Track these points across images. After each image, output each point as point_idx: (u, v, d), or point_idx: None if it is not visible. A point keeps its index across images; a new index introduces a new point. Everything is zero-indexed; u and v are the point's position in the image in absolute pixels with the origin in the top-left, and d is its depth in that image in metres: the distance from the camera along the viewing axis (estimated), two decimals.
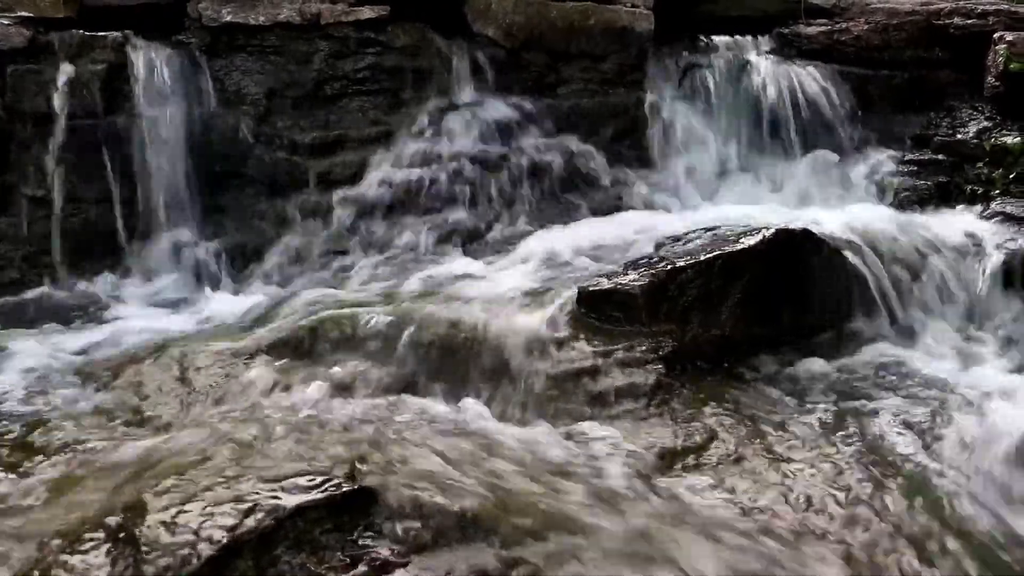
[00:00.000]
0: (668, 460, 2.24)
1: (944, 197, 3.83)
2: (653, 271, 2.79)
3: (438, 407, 2.38)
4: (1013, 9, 4.32)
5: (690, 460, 2.24)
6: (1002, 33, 4.08)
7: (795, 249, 2.92)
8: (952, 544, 1.97)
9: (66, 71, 3.84)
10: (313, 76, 4.17)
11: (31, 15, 4.01)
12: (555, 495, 1.98)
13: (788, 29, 4.58)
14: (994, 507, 2.11)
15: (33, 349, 2.99)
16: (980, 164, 3.89)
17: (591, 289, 2.79)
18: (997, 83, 4.04)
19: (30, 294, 3.61)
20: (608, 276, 2.85)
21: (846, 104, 4.33)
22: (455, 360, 2.63)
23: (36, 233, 3.79)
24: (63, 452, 2.22)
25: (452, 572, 1.71)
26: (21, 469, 2.14)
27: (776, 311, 2.86)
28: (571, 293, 2.84)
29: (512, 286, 3.07)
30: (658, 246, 3.09)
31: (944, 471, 2.21)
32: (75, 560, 1.66)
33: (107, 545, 1.68)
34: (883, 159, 4.14)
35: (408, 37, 4.29)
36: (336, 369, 2.61)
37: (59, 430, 2.37)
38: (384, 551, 1.74)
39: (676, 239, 3.08)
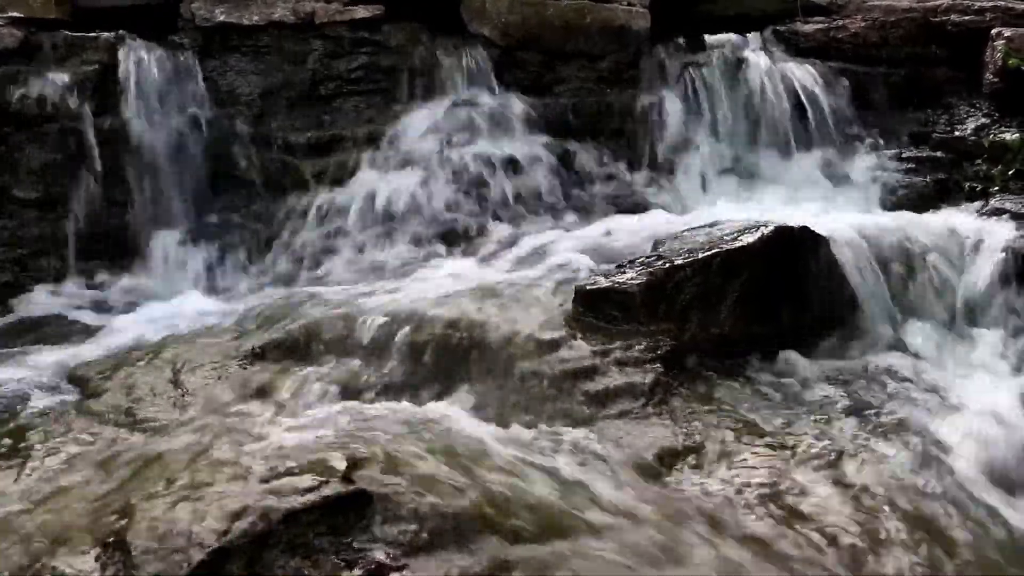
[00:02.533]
0: (667, 460, 2.21)
1: (943, 194, 3.82)
2: (651, 270, 2.77)
3: (434, 408, 2.36)
4: (1010, 6, 4.30)
5: (689, 460, 2.22)
6: (1000, 29, 4.06)
7: (794, 247, 2.90)
8: (953, 541, 1.95)
9: (58, 72, 3.82)
10: (308, 76, 4.16)
11: (23, 16, 3.99)
12: (552, 497, 1.96)
13: (785, 27, 4.57)
14: (993, 504, 2.09)
15: (25, 352, 2.97)
16: (979, 161, 3.88)
17: (588, 288, 2.77)
18: (996, 79, 4.03)
19: (22, 297, 3.58)
20: (605, 275, 2.83)
21: (843, 102, 4.32)
22: (451, 361, 2.61)
23: (28, 236, 3.77)
24: (53, 455, 2.19)
25: (448, 575, 1.69)
26: (10, 473, 2.11)
27: (775, 310, 2.84)
28: (568, 292, 2.82)
29: (508, 286, 3.05)
30: (656, 245, 3.07)
31: (944, 470, 2.20)
32: (64, 565, 1.63)
33: (97, 550, 1.66)
34: (881, 156, 4.13)
35: (403, 37, 4.28)
36: (331, 370, 2.59)
37: (50, 433, 2.35)
38: (379, 554, 1.71)
39: (674, 238, 3.05)
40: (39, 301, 3.53)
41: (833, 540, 1.93)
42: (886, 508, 2.04)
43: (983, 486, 2.16)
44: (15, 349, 3.03)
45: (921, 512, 2.04)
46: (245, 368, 2.65)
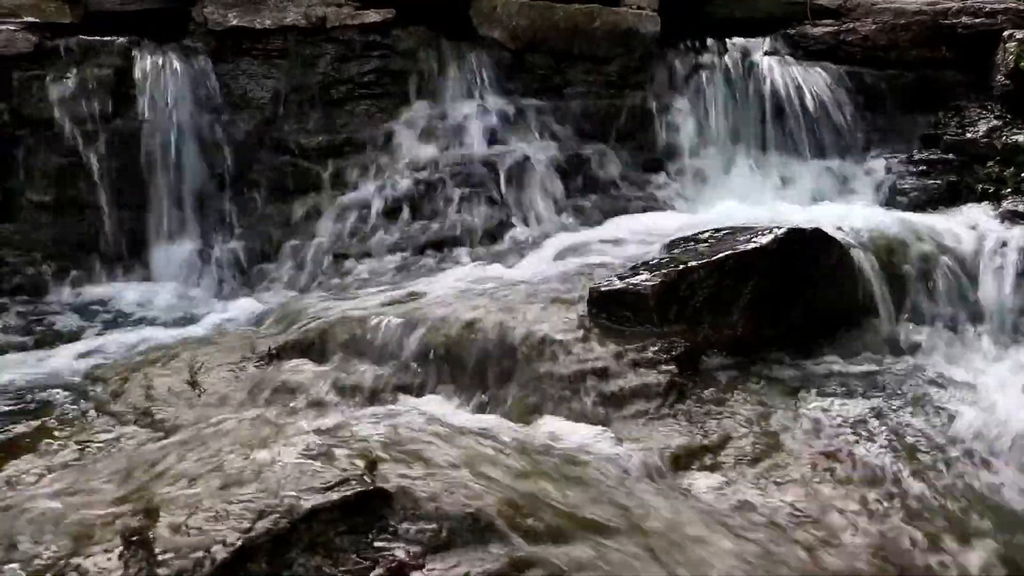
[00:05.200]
0: (683, 461, 2.22)
1: (954, 197, 3.82)
2: (664, 271, 2.78)
3: (450, 409, 2.37)
4: (1021, 7, 4.30)
5: (705, 460, 2.23)
6: (1012, 31, 4.06)
7: (806, 249, 2.91)
8: (966, 537, 1.96)
9: (72, 76, 3.83)
10: (319, 79, 4.17)
11: (36, 21, 4.01)
12: (570, 497, 1.96)
13: (794, 30, 4.57)
14: (1001, 503, 2.10)
15: (42, 354, 2.99)
16: (990, 163, 3.88)
17: (602, 289, 2.78)
18: (1007, 81, 4.03)
19: (38, 299, 3.60)
20: (619, 276, 2.84)
21: (853, 104, 4.32)
22: (466, 361, 2.62)
23: (43, 238, 3.78)
24: (74, 455, 2.20)
25: (468, 574, 1.69)
26: (32, 472, 2.13)
27: (787, 311, 2.84)
28: (582, 294, 2.83)
29: (521, 287, 3.06)
30: (668, 246, 3.08)
31: (955, 467, 2.20)
32: (87, 563, 1.64)
33: (120, 548, 1.67)
34: (892, 159, 4.13)
35: (413, 40, 4.29)
36: (346, 371, 2.60)
37: (70, 433, 2.36)
38: (399, 553, 1.72)
39: (686, 239, 3.06)
40: (54, 304, 3.54)
41: (852, 538, 1.93)
42: (904, 505, 2.04)
43: (996, 480, 2.17)
44: (32, 351, 3.05)
45: (935, 508, 2.04)
46: (261, 369, 2.66)
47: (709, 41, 4.54)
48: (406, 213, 3.88)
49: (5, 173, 3.80)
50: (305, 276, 3.71)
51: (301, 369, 2.62)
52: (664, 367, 2.56)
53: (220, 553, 1.64)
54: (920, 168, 4.02)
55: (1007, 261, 3.12)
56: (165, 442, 2.17)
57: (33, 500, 1.89)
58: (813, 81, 4.34)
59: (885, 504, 2.06)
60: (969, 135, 4.04)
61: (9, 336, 3.23)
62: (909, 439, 2.35)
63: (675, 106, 4.38)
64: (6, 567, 1.62)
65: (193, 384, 2.62)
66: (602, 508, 1.93)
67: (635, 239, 3.43)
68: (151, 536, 1.68)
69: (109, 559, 1.64)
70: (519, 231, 3.85)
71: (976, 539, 1.97)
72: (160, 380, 2.65)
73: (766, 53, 4.48)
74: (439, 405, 2.37)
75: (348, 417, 2.22)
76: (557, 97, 4.38)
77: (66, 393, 2.63)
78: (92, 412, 2.50)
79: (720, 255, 2.80)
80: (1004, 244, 3.19)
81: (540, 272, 3.23)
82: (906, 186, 3.95)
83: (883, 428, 2.41)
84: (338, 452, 1.97)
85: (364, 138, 4.10)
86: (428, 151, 4.04)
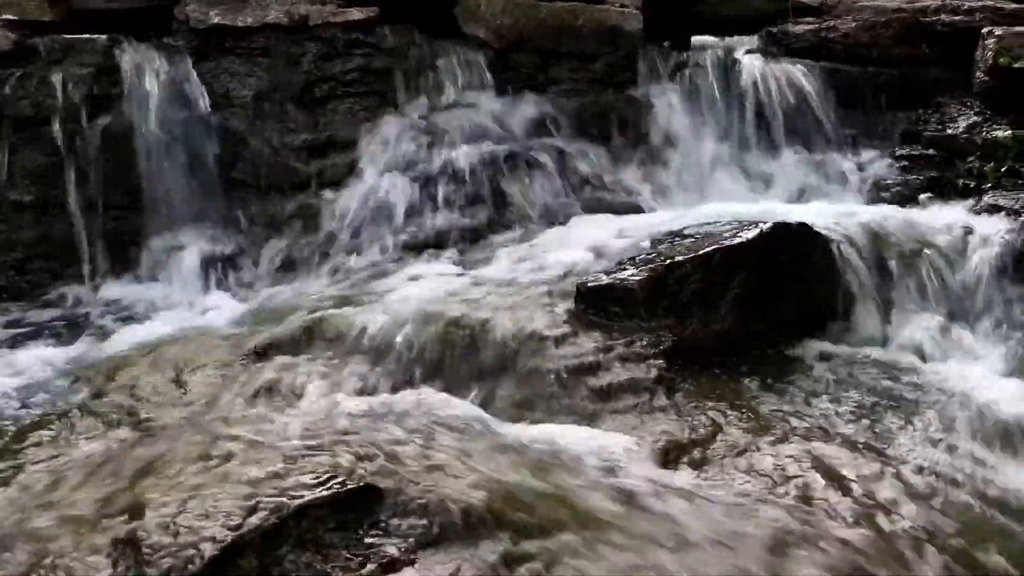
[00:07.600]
0: (672, 454, 2.23)
1: (936, 191, 3.85)
2: (651, 266, 2.78)
3: (439, 405, 2.36)
4: (999, 5, 4.34)
5: (695, 454, 2.24)
6: (991, 28, 4.10)
7: (792, 243, 2.93)
8: (952, 532, 1.97)
9: (54, 74, 3.80)
10: (302, 78, 4.16)
11: (16, 18, 3.98)
12: (560, 491, 1.97)
13: (777, 28, 4.59)
14: (987, 496, 2.12)
15: (27, 353, 2.96)
16: (971, 159, 3.90)
17: (590, 285, 2.78)
18: (987, 78, 4.06)
19: (21, 299, 3.57)
20: (606, 272, 2.84)
21: (835, 101, 4.34)
22: (454, 358, 2.61)
23: (25, 238, 3.75)
24: (61, 455, 2.19)
25: (459, 569, 1.69)
26: (19, 472, 2.11)
27: (774, 305, 2.86)
28: (569, 289, 2.83)
29: (508, 285, 3.06)
30: (655, 242, 3.09)
31: (940, 460, 2.22)
32: (75, 562, 1.63)
33: (108, 547, 1.66)
34: (874, 155, 4.16)
35: (397, 38, 4.29)
36: (334, 369, 2.59)
37: (56, 433, 2.35)
38: (390, 549, 1.72)
39: (673, 235, 3.08)
40: (38, 304, 3.51)
41: (839, 527, 1.94)
42: (890, 498, 2.06)
43: (979, 468, 2.19)
44: (16, 351, 3.02)
45: (923, 501, 2.06)
46: (247, 367, 2.64)
47: (694, 39, 4.55)
48: (389, 212, 3.87)
49: None
50: (290, 274, 3.71)
51: (288, 366, 2.61)
52: (653, 361, 2.57)
53: (209, 550, 1.63)
54: (902, 164, 4.05)
55: (988, 254, 3.14)
56: (152, 442, 2.16)
57: (19, 500, 1.87)
58: (796, 78, 4.36)
59: (870, 497, 2.07)
60: (950, 131, 4.08)
61: None
62: (896, 429, 2.38)
63: (661, 103, 4.39)
64: None
65: (179, 382, 2.61)
66: (591, 502, 1.94)
67: (622, 235, 3.43)
68: (139, 534, 1.67)
69: (97, 558, 1.63)
70: (505, 229, 3.85)
71: (965, 530, 1.98)
72: (146, 379, 2.64)
73: (749, 51, 4.50)
74: (427, 401, 2.36)
75: (335, 414, 2.21)
76: (542, 95, 4.38)
77: (51, 393, 2.62)
78: (77, 412, 2.49)
79: (706, 250, 2.82)
80: (985, 237, 3.22)
81: (527, 269, 3.23)
82: (888, 182, 3.98)
83: (870, 419, 2.43)
84: (326, 449, 1.96)
85: (347, 136, 4.08)
86: (411, 150, 4.03)
